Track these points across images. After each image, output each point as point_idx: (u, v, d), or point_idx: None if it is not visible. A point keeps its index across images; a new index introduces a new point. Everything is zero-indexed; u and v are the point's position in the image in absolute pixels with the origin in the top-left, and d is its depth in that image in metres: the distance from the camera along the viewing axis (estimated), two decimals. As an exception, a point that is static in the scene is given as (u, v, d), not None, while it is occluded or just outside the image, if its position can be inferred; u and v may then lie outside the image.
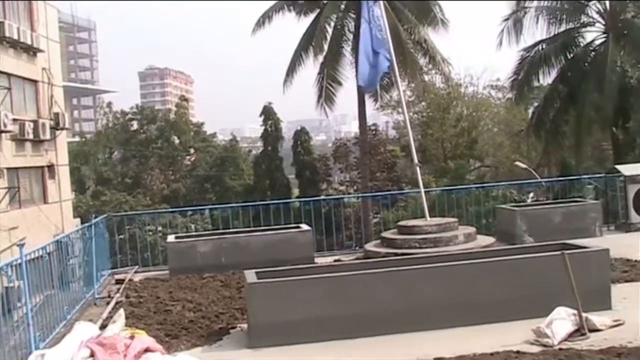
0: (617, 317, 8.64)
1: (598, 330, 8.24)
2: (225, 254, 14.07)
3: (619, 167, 18.45)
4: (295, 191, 45.92)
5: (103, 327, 8.89)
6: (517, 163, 32.41)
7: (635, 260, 12.36)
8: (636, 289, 10.50)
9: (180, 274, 13.57)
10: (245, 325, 9.37)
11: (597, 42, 32.45)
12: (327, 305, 8.66)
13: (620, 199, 17.48)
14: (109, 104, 64.11)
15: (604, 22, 32.00)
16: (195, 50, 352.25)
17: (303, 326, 8.54)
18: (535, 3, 32.38)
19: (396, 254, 12.39)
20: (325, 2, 33.67)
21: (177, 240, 15.02)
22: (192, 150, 58.53)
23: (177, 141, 57.41)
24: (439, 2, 33.73)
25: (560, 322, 8.07)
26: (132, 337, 7.44)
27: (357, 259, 14.11)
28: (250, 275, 9.09)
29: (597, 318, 8.36)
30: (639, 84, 28.33)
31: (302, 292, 8.74)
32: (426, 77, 40.66)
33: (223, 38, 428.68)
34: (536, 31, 32.42)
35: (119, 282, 13.35)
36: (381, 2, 15.44)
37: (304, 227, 14.99)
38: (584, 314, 8.16)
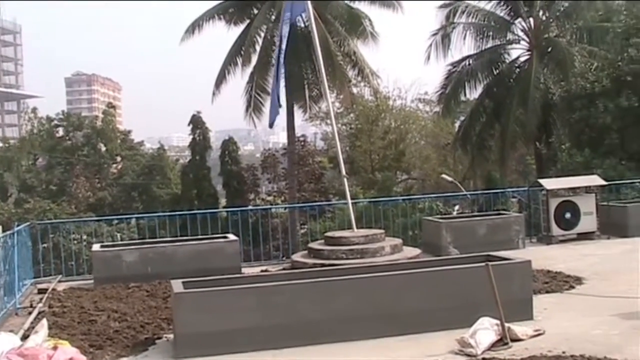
0: (538, 327, 8.83)
1: (520, 339, 8.40)
2: (152, 263, 13.90)
3: (541, 181, 18.85)
4: (223, 201, 45.61)
5: (25, 337, 8.67)
6: (444, 176, 32.95)
7: (556, 272, 12.66)
8: (556, 299, 10.77)
9: (105, 283, 13.35)
10: (171, 336, 9.27)
11: (522, 59, 33.28)
12: (254, 316, 8.63)
13: (542, 212, 17.87)
14: (34, 110, 62.75)
15: (528, 40, 32.82)
16: (124, 57, 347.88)
17: (230, 336, 8.50)
18: (463, 19, 33.02)
19: (323, 265, 12.44)
20: (255, 12, 33.67)
21: (103, 249, 14.78)
22: (118, 158, 57.69)
23: (103, 149, 56.52)
24: (369, 15, 34.09)
25: (484, 332, 8.20)
26: (55, 348, 7.30)
27: (284, 269, 14.11)
28: (177, 285, 9.01)
29: (519, 328, 8.53)
30: (562, 101, 29.01)
31: (229, 303, 8.69)
32: (355, 90, 40.97)
33: (153, 45, 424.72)
34: (463, 47, 33.13)
35: (42, 291, 13.05)
36: (311, 13, 15.44)
37: (231, 237, 14.92)
38: (506, 324, 8.31)
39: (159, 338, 9.46)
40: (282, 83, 15.08)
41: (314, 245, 14.54)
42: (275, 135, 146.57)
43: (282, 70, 15.00)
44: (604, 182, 18.45)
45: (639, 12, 27.24)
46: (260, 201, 44.85)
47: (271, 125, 16.67)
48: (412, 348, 8.38)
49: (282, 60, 14.85)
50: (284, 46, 14.85)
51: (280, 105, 15.32)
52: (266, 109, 34.01)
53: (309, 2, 14.87)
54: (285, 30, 14.95)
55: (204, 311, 8.57)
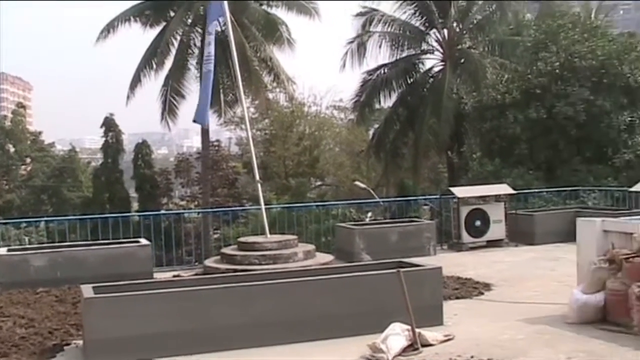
0: (448, 332, 9.00)
1: (430, 345, 8.54)
2: (61, 268, 13.58)
3: (453, 189, 19.20)
4: (135, 205, 45.03)
5: None
6: (357, 183, 33.17)
7: (466, 278, 12.91)
8: (466, 305, 10.99)
9: (12, 288, 12.97)
10: (80, 342, 9.10)
11: (436, 69, 33.84)
12: (165, 321, 8.54)
13: (453, 219, 18.19)
14: (-62, 109, 60.94)
15: (442, 51, 33.39)
16: (35, 57, 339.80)
17: (141, 342, 8.38)
18: (379, 28, 33.38)
19: (236, 270, 12.39)
20: (172, 15, 33.36)
21: (10, 253, 14.36)
22: (28, 160, 56.39)
23: (12, 150, 55.18)
24: (286, 21, 34.16)
25: (395, 337, 8.31)
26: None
27: (196, 274, 14.00)
28: (87, 290, 8.85)
29: (430, 333, 8.67)
30: (473, 111, 29.58)
31: (140, 308, 8.58)
32: (270, 95, 40.98)
33: (66, 45, 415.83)
34: (379, 55, 33.50)
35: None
36: (227, 18, 15.35)
37: (143, 241, 14.71)
38: (417, 330, 8.44)
39: (68, 344, 9.27)
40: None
41: (227, 250, 14.48)
42: (189, 140, 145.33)
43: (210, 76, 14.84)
44: (512, 191, 18.92)
45: (547, 28, 28.00)
46: (173, 205, 44.46)
47: (203, 125, 16.60)
48: (324, 353, 8.42)
49: (209, 67, 14.69)
50: (212, 51, 14.70)
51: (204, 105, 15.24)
52: (181, 112, 33.83)
53: (226, 7, 14.79)
54: (211, 37, 14.84)
55: (115, 317, 8.43)
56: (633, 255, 9.20)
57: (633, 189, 18.09)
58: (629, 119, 25.84)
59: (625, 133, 25.86)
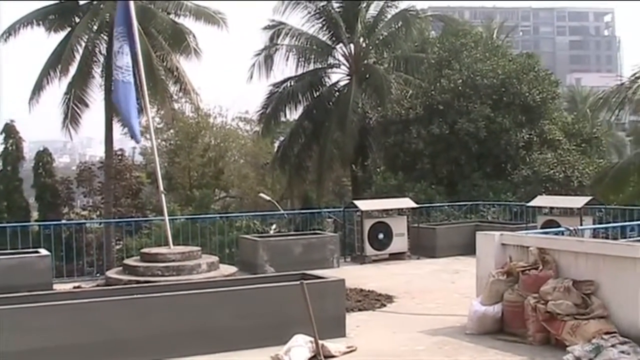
0: (351, 343, 9.09)
1: (333, 356, 8.60)
2: (-44, 278, 13.16)
3: (356, 202, 19.38)
4: (35, 214, 43.84)
5: None
6: (262, 195, 33.19)
7: (369, 291, 13.05)
8: (369, 317, 11.11)
9: None
10: (-26, 355, 8.84)
11: (342, 83, 34.11)
12: (65, 334, 8.34)
13: (357, 232, 18.37)
14: None
15: (348, 65, 33.69)
16: None
17: (39, 356, 8.16)
18: (286, 41, 33.47)
19: (138, 282, 12.22)
20: (77, 21, 32.68)
21: None
22: None
23: None
24: (194, 31, 33.90)
25: (298, 349, 8.33)
26: None
27: (97, 286, 13.75)
28: (-18, 301, 8.60)
29: (333, 345, 8.73)
30: (378, 126, 29.97)
31: (38, 320, 8.35)
32: (176, 105, 40.56)
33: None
34: (286, 68, 33.54)
35: None
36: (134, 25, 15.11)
37: (43, 252, 14.35)
38: (320, 341, 8.48)
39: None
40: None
41: (130, 261, 14.24)
42: (92, 148, 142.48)
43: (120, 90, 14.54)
44: (415, 205, 19.23)
45: (451, 46, 28.67)
46: (75, 215, 43.38)
47: (137, 141, 16.45)
48: (227, 365, 8.40)
49: (128, 78, 14.39)
50: (129, 61, 14.40)
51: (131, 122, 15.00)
52: (84, 120, 33.12)
53: (133, 11, 14.56)
54: (117, 45, 14.54)
55: (11, 330, 8.19)
56: (529, 267, 9.48)
57: (530, 203, 18.65)
58: (527, 136, 26.70)
59: (523, 150, 26.70)
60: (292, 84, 33.85)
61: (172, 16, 33.41)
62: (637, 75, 23.64)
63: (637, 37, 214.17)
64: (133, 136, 15.53)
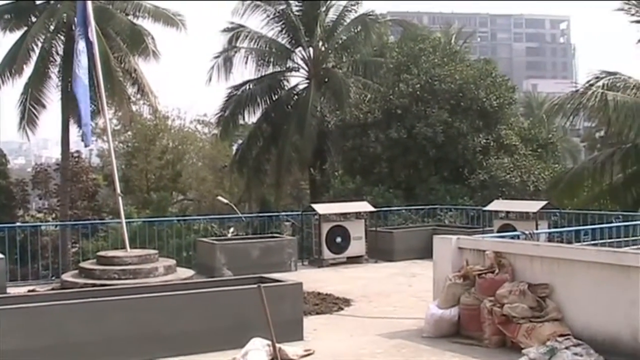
0: (308, 347, 9.10)
1: (291, 359, 8.60)
2: None
3: (314, 205, 19.42)
4: (-12, 217, 43.25)
5: None
6: (220, 198, 33.03)
7: (327, 294, 13.07)
8: (326, 320, 11.14)
9: None
10: None
11: (301, 86, 34.20)
12: (19, 338, 8.21)
13: (314, 235, 18.39)
14: None
15: (307, 69, 33.76)
16: None
17: (-9, 358, 8.08)
18: (245, 44, 33.44)
19: (94, 285, 12.10)
20: (33, 20, 32.29)
21: None
22: None
23: None
24: (152, 33, 33.69)
25: (256, 352, 8.31)
26: None
27: (53, 289, 13.56)
28: None
29: (290, 348, 8.73)
30: (336, 129, 30.04)
31: (-9, 323, 8.25)
32: (134, 107, 40.26)
33: None
34: (245, 71, 33.55)
35: None
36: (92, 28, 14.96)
37: (-3, 254, 14.18)
38: (278, 345, 8.46)
39: None
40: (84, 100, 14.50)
41: (86, 264, 14.08)
42: (48, 150, 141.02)
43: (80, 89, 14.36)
44: (373, 209, 19.32)
45: (410, 51, 28.81)
46: (30, 218, 42.86)
47: (88, 144, 16.25)
48: (183, 369, 8.36)
49: (79, 78, 14.21)
50: (83, 62, 14.22)
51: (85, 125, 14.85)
52: (41, 121, 32.75)
53: (91, 15, 14.43)
54: (81, 45, 14.35)
55: (-36, 332, 8.07)
56: (485, 271, 9.58)
57: (487, 208, 18.83)
58: (484, 141, 26.93)
59: (480, 154, 26.92)
60: (251, 86, 33.83)
61: (130, 17, 33.20)
62: (591, 82, 23.96)
63: (592, 45, 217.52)
64: (84, 139, 15.37)
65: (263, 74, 33.73)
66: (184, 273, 13.92)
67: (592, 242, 12.87)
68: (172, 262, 14.18)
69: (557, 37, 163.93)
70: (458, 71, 27.26)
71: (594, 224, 14.99)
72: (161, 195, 43.23)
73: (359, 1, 33.67)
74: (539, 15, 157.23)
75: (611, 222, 15.30)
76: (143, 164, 45.46)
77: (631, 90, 23.53)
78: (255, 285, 8.94)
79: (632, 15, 23.48)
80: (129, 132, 47.04)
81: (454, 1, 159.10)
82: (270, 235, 18.74)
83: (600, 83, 23.57)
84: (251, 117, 34.84)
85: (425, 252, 14.39)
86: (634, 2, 23.49)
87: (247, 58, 33.23)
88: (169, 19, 33.16)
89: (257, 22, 33.51)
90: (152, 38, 33.40)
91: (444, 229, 18.28)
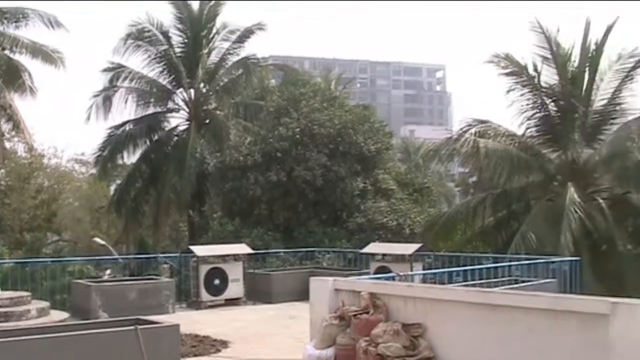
0: (184, 389, 9.08)
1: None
2: None
3: (193, 247, 19.37)
4: None
5: None
6: (96, 239, 32.43)
7: (204, 336, 13.03)
8: (203, 362, 11.12)
9: None
10: None
11: (181, 127, 34.10)
12: None
13: (192, 278, 18.32)
14: None
15: (188, 110, 33.72)
16: None
17: None
18: (126, 83, 33.12)
19: (-38, 328, 11.70)
20: None
21: None
22: None
23: None
24: (30, 69, 32.98)
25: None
26: None
27: None
28: None
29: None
30: (216, 171, 30.04)
31: None
32: (8, 144, 39.18)
33: None
34: (125, 110, 33.17)
35: None
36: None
37: None
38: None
39: None
40: None
41: (-47, 306, 13.63)
42: None
43: None
44: (251, 251, 19.43)
45: (290, 95, 29.22)
46: None
47: None
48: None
49: None
50: None
51: None
52: None
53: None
54: None
55: None
56: (360, 312, 9.78)
57: (364, 250, 19.19)
58: (362, 185, 27.47)
59: (358, 198, 27.42)
60: (131, 126, 33.50)
61: (7, 52, 32.40)
62: (464, 129, 24.94)
63: (467, 93, 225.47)
64: None
65: (143, 114, 33.47)
66: (58, 315, 13.66)
67: (464, 282, 13.31)
68: (46, 304, 13.89)
69: (434, 85, 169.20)
70: (337, 116, 27.79)
71: (466, 266, 15.49)
72: (35, 235, 41.92)
73: (241, 44, 33.96)
74: (417, 63, 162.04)
75: (482, 264, 15.86)
76: (17, 203, 44.05)
77: (501, 138, 24.67)
78: (132, 327, 8.88)
79: (501, 68, 24.65)
80: (2, 170, 45.61)
81: (335, 47, 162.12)
82: (148, 277, 18.54)
83: (472, 130, 24.62)
84: (130, 158, 34.45)
85: (304, 294, 14.51)
86: (502, 55, 24.69)
87: (128, 98, 32.93)
88: (48, 56, 32.53)
89: (139, 61, 33.29)
90: (29, 74, 32.69)
91: (322, 271, 18.55)
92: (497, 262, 16.00)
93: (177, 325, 10.07)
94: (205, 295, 17.85)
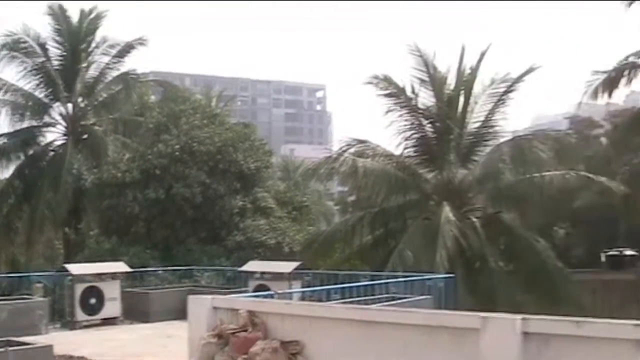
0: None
1: None
2: None
3: (68, 266, 18.98)
4: None
5: None
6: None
7: (79, 357, 12.76)
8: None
9: None
10: None
11: (58, 142, 33.27)
12: None
13: (68, 297, 17.90)
14: None
15: (65, 125, 32.95)
16: None
17: None
18: (0, 96, 32.12)
19: None
20: None
21: None
22: None
23: None
24: None
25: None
26: None
27: None
28: None
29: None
30: (93, 188, 29.47)
31: None
32: None
33: None
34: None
35: None
36: None
37: None
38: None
39: None
40: None
41: None
42: None
43: None
44: (129, 269, 19.14)
45: (170, 111, 29.01)
46: None
47: None
48: None
49: None
50: None
51: None
52: None
53: None
54: None
55: None
56: (239, 330, 9.80)
57: (242, 268, 19.23)
58: (241, 203, 27.51)
59: (237, 216, 27.44)
60: (5, 140, 32.51)
61: None
62: (343, 148, 25.37)
63: (346, 113, 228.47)
64: None
65: (18, 128, 32.51)
66: None
67: (342, 300, 13.51)
68: None
69: (314, 105, 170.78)
70: (217, 133, 27.76)
71: (345, 283, 15.74)
72: None
73: (122, 59, 33.50)
74: (298, 82, 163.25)
75: (360, 281, 16.15)
76: None
77: (379, 158, 25.23)
78: (2, 349, 8.65)
79: (381, 89, 25.24)
80: None
81: (217, 64, 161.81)
82: (19, 297, 18.01)
83: (352, 150, 25.10)
84: (3, 173, 33.39)
85: (182, 313, 14.33)
86: (381, 77, 25.28)
87: (1, 111, 31.91)
88: None
89: (14, 73, 32.33)
90: None
91: (201, 290, 18.46)
92: (375, 280, 16.33)
93: (51, 346, 9.88)
94: (80, 315, 17.48)
